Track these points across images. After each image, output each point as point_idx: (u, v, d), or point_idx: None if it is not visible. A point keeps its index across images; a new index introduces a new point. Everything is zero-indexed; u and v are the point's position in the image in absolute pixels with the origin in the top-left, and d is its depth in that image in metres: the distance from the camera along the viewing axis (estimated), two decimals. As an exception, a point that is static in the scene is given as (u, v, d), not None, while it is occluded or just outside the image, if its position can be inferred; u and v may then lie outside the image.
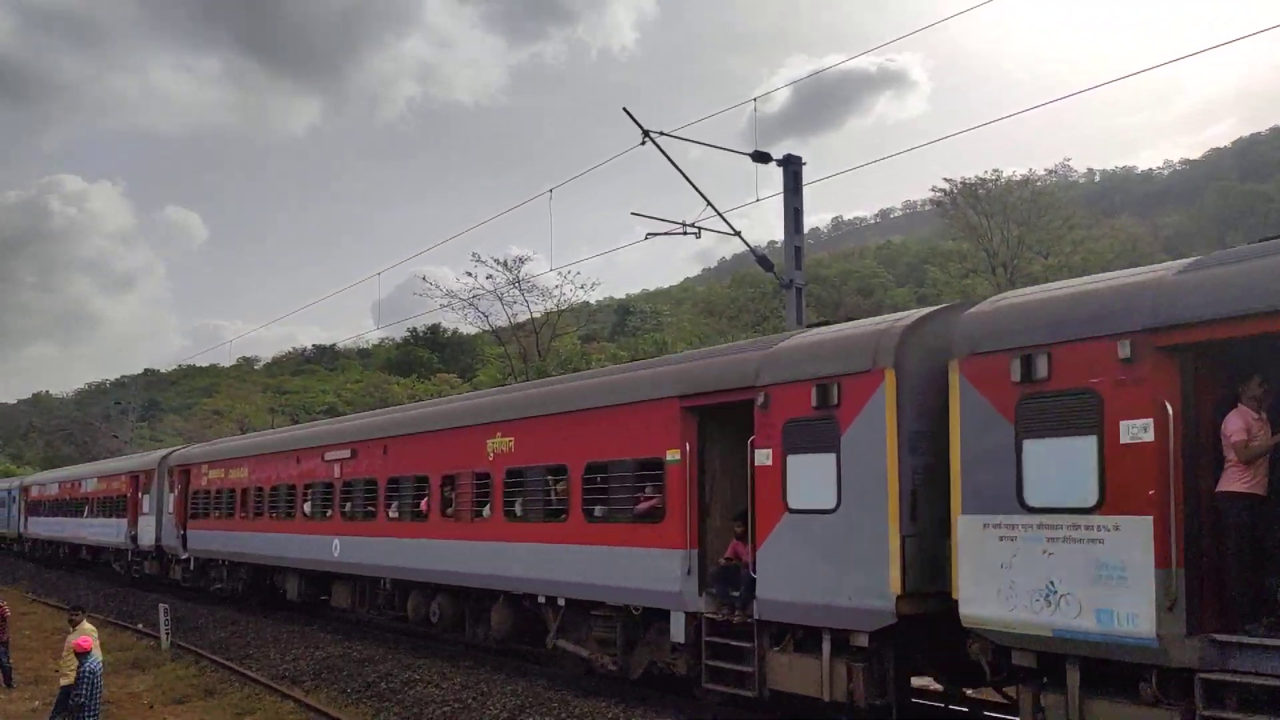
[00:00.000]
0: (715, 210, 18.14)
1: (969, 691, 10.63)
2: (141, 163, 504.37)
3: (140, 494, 30.71)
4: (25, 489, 49.50)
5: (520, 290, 52.12)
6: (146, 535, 30.11)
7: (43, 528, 45.35)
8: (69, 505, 40.26)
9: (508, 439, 14.75)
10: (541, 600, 13.99)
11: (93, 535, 36.67)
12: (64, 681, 12.18)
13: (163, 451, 32.58)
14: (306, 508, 20.91)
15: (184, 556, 27.58)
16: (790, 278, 17.91)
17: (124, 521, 32.15)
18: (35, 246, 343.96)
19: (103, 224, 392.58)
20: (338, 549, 19.46)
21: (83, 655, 11.59)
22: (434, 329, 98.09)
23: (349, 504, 19.31)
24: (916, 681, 11.04)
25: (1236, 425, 7.24)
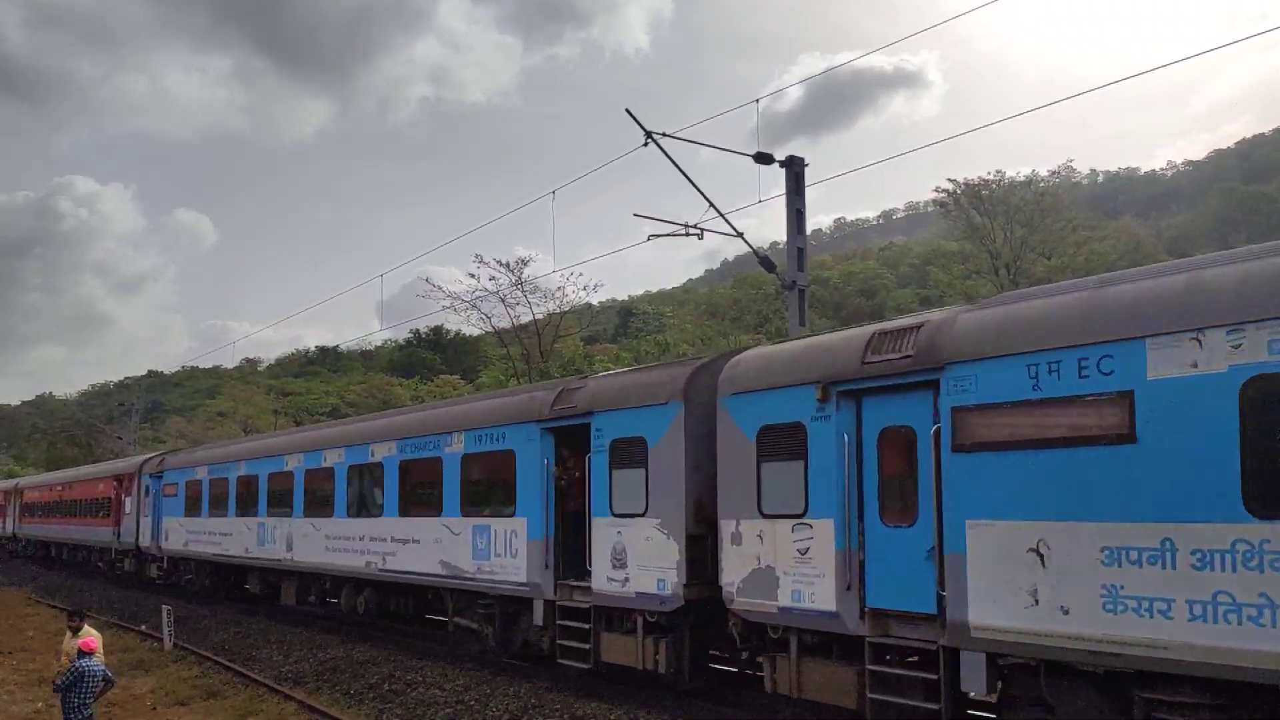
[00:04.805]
0: (717, 211, 18.13)
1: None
2: (152, 165, 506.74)
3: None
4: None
5: (523, 291, 52.10)
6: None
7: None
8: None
9: None
10: None
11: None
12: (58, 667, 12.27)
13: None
14: None
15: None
16: (793, 279, 17.86)
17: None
18: (44, 248, 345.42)
19: (112, 226, 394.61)
20: None
21: (84, 654, 11.62)
22: (437, 330, 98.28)
23: None
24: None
25: None
